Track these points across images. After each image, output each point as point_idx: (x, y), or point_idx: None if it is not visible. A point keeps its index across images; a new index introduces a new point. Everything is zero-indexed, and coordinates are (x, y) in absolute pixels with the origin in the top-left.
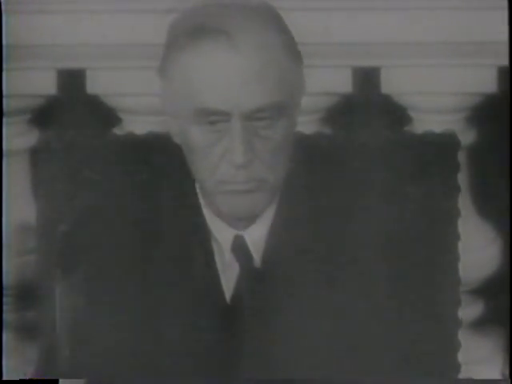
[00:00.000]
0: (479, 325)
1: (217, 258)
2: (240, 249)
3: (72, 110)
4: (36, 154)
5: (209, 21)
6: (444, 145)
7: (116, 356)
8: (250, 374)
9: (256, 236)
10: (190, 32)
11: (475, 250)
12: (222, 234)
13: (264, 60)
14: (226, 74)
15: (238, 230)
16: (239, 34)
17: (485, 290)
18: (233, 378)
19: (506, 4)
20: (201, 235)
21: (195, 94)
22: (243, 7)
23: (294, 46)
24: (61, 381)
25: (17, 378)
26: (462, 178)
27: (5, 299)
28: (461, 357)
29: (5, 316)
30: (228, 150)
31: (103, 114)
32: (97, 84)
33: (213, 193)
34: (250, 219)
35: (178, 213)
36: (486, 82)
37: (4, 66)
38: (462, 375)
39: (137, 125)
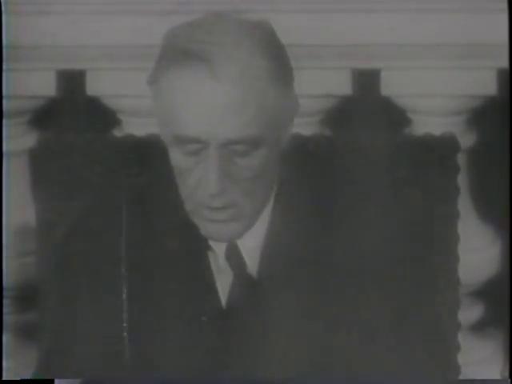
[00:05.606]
0: (479, 326)
1: (212, 265)
2: (234, 256)
3: (71, 112)
4: (35, 156)
5: (193, 46)
6: (444, 147)
7: (112, 357)
8: (244, 376)
9: (251, 243)
10: (175, 54)
11: (475, 251)
12: (216, 242)
13: (245, 90)
14: (205, 103)
15: None
16: (221, 63)
17: (484, 292)
18: (227, 380)
19: (505, 6)
20: (196, 241)
21: (174, 118)
22: (232, 29)
23: (283, 71)
24: (56, 381)
25: (16, 379)
26: (462, 180)
27: (5, 300)
28: (460, 359)
29: (4, 317)
30: (204, 177)
31: (103, 116)
32: (96, 85)
33: (192, 213)
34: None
35: (176, 216)
36: (486, 84)
37: (4, 66)
38: (461, 377)
39: (136, 126)
